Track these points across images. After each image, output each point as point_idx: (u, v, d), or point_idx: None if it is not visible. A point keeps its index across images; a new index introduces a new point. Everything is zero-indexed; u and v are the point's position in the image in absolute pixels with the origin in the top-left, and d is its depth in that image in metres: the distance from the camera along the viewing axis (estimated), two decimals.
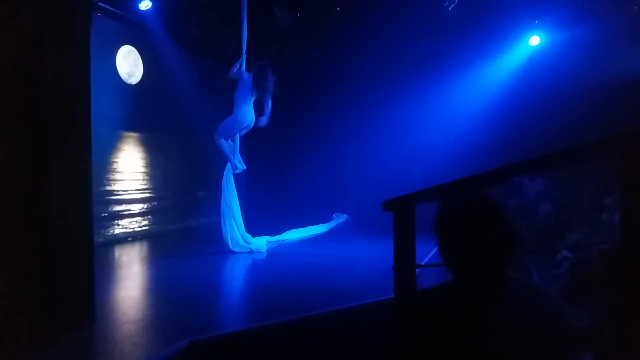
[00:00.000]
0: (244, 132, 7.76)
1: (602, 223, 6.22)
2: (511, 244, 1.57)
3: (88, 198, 4.04)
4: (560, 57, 9.17)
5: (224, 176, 7.63)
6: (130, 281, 5.98)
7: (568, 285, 4.92)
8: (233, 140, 7.71)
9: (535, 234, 7.00)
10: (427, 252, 5.80)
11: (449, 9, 8.13)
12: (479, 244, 1.55)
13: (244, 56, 7.58)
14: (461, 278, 1.61)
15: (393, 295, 2.73)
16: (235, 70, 7.70)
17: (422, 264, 5.50)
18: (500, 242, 1.56)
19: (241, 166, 7.73)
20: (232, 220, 7.51)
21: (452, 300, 1.59)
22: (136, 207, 8.86)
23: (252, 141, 8.65)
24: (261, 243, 7.79)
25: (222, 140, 7.57)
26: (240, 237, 7.54)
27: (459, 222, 1.58)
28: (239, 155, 7.78)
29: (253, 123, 7.66)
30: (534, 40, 9.72)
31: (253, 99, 7.62)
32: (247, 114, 7.55)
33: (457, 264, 1.61)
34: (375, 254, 6.64)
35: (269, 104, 7.65)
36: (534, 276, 5.29)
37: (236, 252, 7.41)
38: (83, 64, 4.10)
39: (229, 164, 7.64)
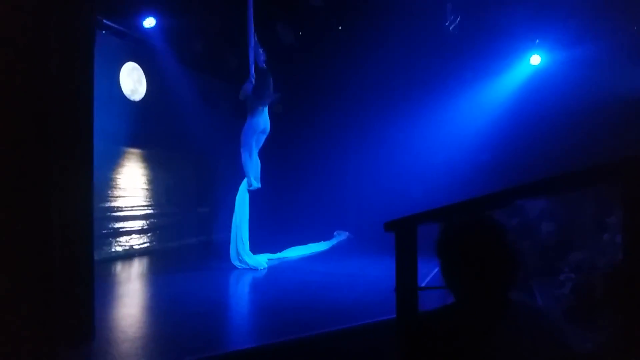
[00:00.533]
0: (261, 140, 7.74)
1: (605, 243, 6.19)
2: (513, 267, 1.57)
3: (89, 214, 4.04)
4: (561, 76, 9.21)
5: (239, 191, 7.66)
6: (130, 298, 5.94)
7: (571, 306, 4.89)
8: (250, 155, 7.70)
9: (538, 253, 6.97)
10: (429, 271, 5.76)
11: (450, 28, 8.19)
12: (481, 267, 1.54)
13: (253, 77, 7.61)
14: (463, 300, 1.61)
15: (395, 315, 2.71)
16: (244, 91, 7.71)
17: (424, 283, 5.48)
18: (503, 265, 1.56)
19: (256, 184, 7.72)
20: (237, 236, 7.52)
21: (455, 322, 1.59)
22: (137, 224, 8.84)
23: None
24: (261, 261, 7.75)
25: (245, 154, 7.60)
26: (242, 253, 7.51)
27: (462, 244, 1.58)
28: (258, 171, 7.77)
29: (268, 129, 7.68)
30: (535, 59, 9.79)
31: (265, 105, 7.64)
32: (259, 119, 7.57)
33: (460, 286, 1.60)
34: (376, 272, 6.60)
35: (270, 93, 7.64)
36: (537, 296, 5.26)
37: (237, 269, 7.38)
38: (87, 80, 4.13)
39: (245, 179, 7.68)
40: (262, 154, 8.98)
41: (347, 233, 10.67)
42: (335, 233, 10.55)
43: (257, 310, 5.43)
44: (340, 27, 9.89)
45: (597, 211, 6.88)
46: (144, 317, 5.09)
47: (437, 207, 2.49)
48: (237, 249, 7.48)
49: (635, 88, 8.45)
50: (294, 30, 9.60)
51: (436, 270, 6.38)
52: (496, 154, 9.69)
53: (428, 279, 5.81)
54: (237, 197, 7.65)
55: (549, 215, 7.38)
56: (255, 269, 7.49)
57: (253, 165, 7.71)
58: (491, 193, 2.53)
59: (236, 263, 7.43)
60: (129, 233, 8.61)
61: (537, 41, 9.59)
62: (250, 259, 7.57)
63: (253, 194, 7.85)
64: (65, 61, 3.89)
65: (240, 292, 6.70)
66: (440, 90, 9.96)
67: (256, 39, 7.52)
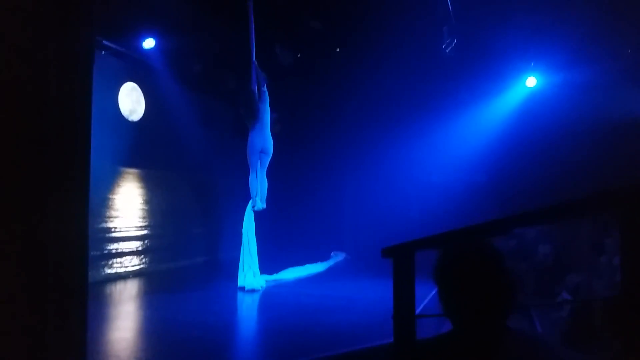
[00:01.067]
0: (264, 161, 7.76)
1: (602, 265, 6.18)
2: (511, 295, 1.56)
3: (84, 236, 4.00)
4: (557, 98, 9.31)
5: (246, 211, 7.65)
6: (124, 321, 5.87)
7: (569, 330, 4.85)
8: (256, 176, 7.73)
9: (535, 275, 6.95)
10: (426, 294, 5.71)
11: (447, 50, 8.28)
12: (479, 295, 1.54)
13: (255, 93, 7.67)
14: (461, 328, 1.59)
15: (393, 340, 2.68)
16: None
17: (421, 306, 5.44)
18: (501, 293, 1.55)
19: (260, 205, 7.70)
20: (244, 256, 7.51)
21: (452, 350, 1.58)
22: (132, 245, 8.77)
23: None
24: (261, 281, 7.70)
25: (251, 174, 7.65)
26: (248, 274, 7.49)
27: (459, 271, 1.57)
28: (264, 192, 7.75)
29: (269, 150, 7.71)
30: (531, 81, 9.88)
31: (261, 123, 7.62)
32: (255, 138, 7.61)
33: (457, 313, 1.59)
34: (374, 295, 6.55)
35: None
36: (534, 319, 5.22)
37: (234, 290, 7.34)
38: (85, 101, 4.13)
39: (251, 200, 7.70)
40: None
41: (344, 254, 10.63)
42: (332, 254, 10.51)
43: (254, 334, 5.38)
44: (338, 50, 10.00)
45: (594, 232, 6.88)
46: (138, 340, 5.03)
47: (435, 234, 2.48)
48: (243, 270, 7.47)
49: (630, 110, 8.53)
50: (292, 52, 9.69)
51: (433, 293, 6.35)
52: (492, 176, 9.73)
53: (425, 301, 5.76)
54: (244, 218, 7.67)
55: (545, 237, 7.37)
56: (253, 291, 7.44)
57: (258, 185, 7.70)
58: (491, 220, 2.53)
59: (244, 284, 7.40)
60: (124, 254, 8.54)
61: (532, 63, 9.70)
62: (255, 281, 7.52)
63: (255, 215, 7.86)
64: (65, 82, 3.89)
65: (236, 316, 6.62)
66: (437, 111, 10.04)
67: (256, 63, 7.61)
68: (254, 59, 7.56)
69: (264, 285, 7.67)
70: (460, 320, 1.59)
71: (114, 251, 8.30)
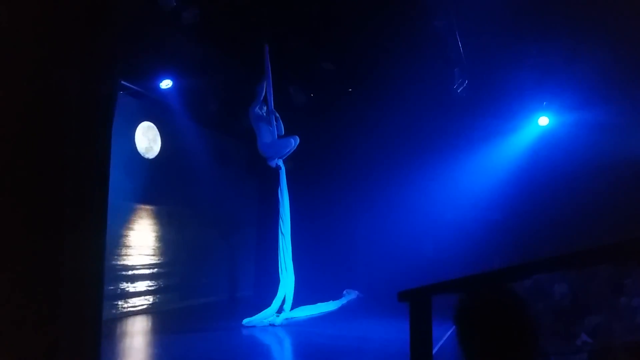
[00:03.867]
0: (273, 164, 8.05)
1: (622, 306, 6.04)
2: (534, 341, 1.55)
3: (100, 274, 4.03)
4: (569, 137, 9.33)
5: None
6: (135, 358, 5.82)
7: None
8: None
9: (552, 316, 6.79)
10: (440, 335, 5.61)
11: (458, 91, 8.39)
12: (502, 340, 1.53)
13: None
14: None
15: None
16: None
17: (436, 347, 5.34)
18: (523, 339, 1.54)
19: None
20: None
21: None
22: (145, 282, 8.77)
23: (262, 215, 8.70)
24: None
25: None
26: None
27: (482, 316, 1.57)
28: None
29: (271, 159, 7.99)
30: (543, 120, 9.92)
31: (266, 132, 7.89)
32: (261, 147, 7.98)
33: (478, 357, 1.58)
34: (387, 335, 6.45)
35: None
36: None
37: (246, 328, 7.32)
38: (105, 142, 4.24)
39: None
40: (270, 212, 9.06)
41: (356, 292, 10.49)
42: (344, 292, 10.38)
43: None
44: (350, 90, 10.17)
45: (613, 272, 6.75)
46: None
47: (453, 278, 2.46)
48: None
49: None
50: (306, 93, 9.88)
51: (448, 334, 6.23)
52: (506, 213, 9.67)
53: (440, 343, 5.65)
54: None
55: (561, 277, 7.25)
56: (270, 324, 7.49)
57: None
58: (510, 266, 2.52)
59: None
60: (136, 291, 8.53)
61: (545, 103, 9.76)
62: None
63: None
64: (86, 123, 4.00)
65: (247, 356, 6.53)
66: (450, 150, 10.10)
67: (274, 111, 7.87)
68: (271, 100, 7.77)
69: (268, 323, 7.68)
70: None
71: (126, 288, 8.30)
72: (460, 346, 1.61)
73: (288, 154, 8.13)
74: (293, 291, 7.78)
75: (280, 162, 8.14)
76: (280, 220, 8.14)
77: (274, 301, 7.72)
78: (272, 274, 10.70)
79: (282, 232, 8.09)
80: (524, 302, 1.59)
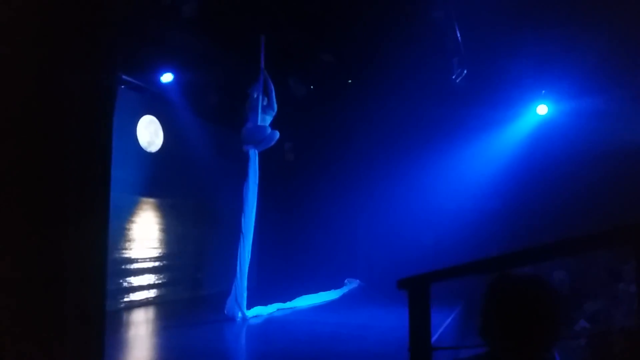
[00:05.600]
0: (245, 149, 7.86)
1: (620, 292, 6.11)
2: (558, 329, 1.57)
3: (104, 266, 4.10)
4: (568, 126, 9.36)
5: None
6: (139, 350, 5.92)
7: (588, 358, 4.78)
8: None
9: None
10: (440, 323, 5.71)
11: (457, 81, 8.41)
12: (529, 324, 1.55)
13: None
14: (499, 353, 1.59)
15: None
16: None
17: (436, 336, 5.42)
18: (549, 326, 1.56)
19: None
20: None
21: None
22: (148, 275, 8.86)
23: (264, 206, 8.77)
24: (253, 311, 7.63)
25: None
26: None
27: (514, 297, 1.58)
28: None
29: (245, 143, 7.79)
30: (542, 109, 9.94)
31: (252, 118, 7.73)
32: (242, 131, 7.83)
33: (500, 339, 1.58)
34: (388, 323, 6.53)
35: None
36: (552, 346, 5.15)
37: (249, 320, 7.37)
38: (106, 136, 4.30)
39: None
40: (272, 202, 9.09)
41: (357, 281, 10.60)
42: (345, 281, 10.49)
43: None
44: (350, 81, 10.20)
45: (611, 258, 6.82)
46: None
47: (452, 265, 2.51)
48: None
49: None
50: (305, 84, 9.91)
51: (447, 322, 6.32)
52: (505, 202, 9.74)
53: (440, 330, 5.74)
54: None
55: (560, 264, 7.32)
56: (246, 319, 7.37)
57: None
58: (507, 253, 2.56)
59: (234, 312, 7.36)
60: (141, 282, 8.64)
61: (543, 92, 9.78)
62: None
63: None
64: (87, 116, 4.05)
65: (251, 344, 6.64)
66: (449, 140, 10.14)
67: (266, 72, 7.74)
68: (262, 66, 7.70)
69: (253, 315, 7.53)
70: (501, 346, 1.58)
71: (129, 280, 8.40)
72: (484, 326, 1.62)
73: (265, 147, 7.77)
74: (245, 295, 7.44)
75: (254, 153, 7.77)
76: (243, 217, 7.56)
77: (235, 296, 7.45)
78: (273, 264, 10.83)
79: (242, 232, 7.50)
80: (556, 289, 1.60)
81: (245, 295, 7.40)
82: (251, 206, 7.68)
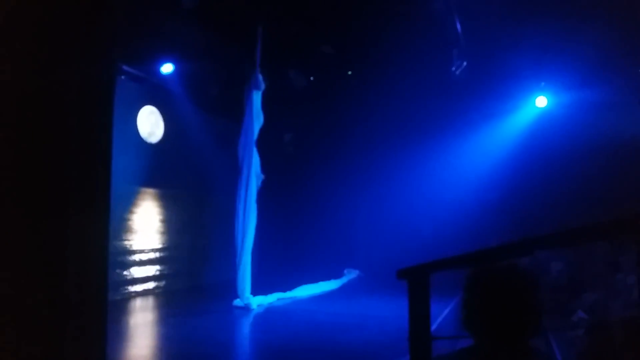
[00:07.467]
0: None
1: (619, 283, 6.15)
2: (539, 317, 1.58)
3: (105, 255, 4.13)
4: (567, 118, 9.37)
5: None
6: (141, 339, 5.97)
7: (586, 349, 4.82)
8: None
9: (549, 293, 6.91)
10: (439, 312, 5.75)
11: (457, 72, 8.41)
12: (510, 313, 1.56)
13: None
14: (484, 345, 1.60)
15: (408, 358, 2.72)
16: None
17: (435, 325, 5.47)
18: (530, 314, 1.57)
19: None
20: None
21: None
22: (149, 264, 8.90)
23: (264, 196, 8.81)
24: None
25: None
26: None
27: (493, 289, 1.59)
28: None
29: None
30: (541, 101, 9.95)
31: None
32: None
33: (482, 331, 1.60)
34: (387, 313, 6.59)
35: None
36: (550, 337, 5.21)
37: (249, 309, 7.45)
38: (106, 127, 4.31)
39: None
40: (272, 192, 9.10)
41: (357, 271, 10.65)
42: (345, 271, 10.54)
43: (267, 353, 5.44)
44: (350, 73, 10.19)
45: (609, 250, 6.85)
46: (154, 359, 5.12)
47: (451, 256, 2.53)
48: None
49: None
50: (305, 76, 9.91)
51: (446, 312, 6.37)
52: (503, 193, 9.77)
53: (439, 320, 5.79)
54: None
55: (557, 255, 7.36)
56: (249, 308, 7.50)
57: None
58: (506, 243, 2.58)
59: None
60: (142, 272, 8.68)
61: (542, 84, 9.77)
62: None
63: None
64: (86, 107, 4.06)
65: (250, 334, 6.70)
66: (449, 131, 10.15)
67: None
68: (257, 62, 7.75)
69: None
70: (484, 337, 1.60)
71: (131, 270, 8.45)
72: (467, 318, 1.62)
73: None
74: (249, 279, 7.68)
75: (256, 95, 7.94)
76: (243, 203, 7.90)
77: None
78: (274, 254, 10.87)
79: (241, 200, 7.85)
80: (535, 277, 1.60)
81: (249, 283, 7.55)
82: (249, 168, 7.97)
